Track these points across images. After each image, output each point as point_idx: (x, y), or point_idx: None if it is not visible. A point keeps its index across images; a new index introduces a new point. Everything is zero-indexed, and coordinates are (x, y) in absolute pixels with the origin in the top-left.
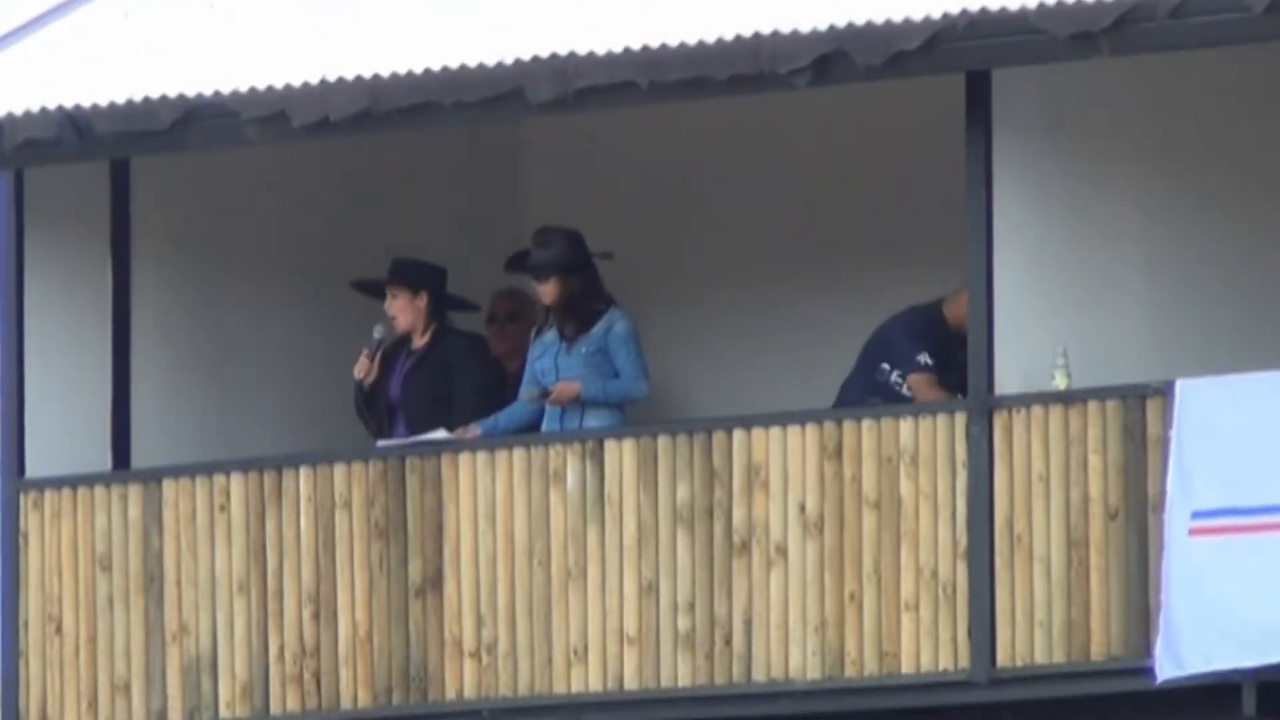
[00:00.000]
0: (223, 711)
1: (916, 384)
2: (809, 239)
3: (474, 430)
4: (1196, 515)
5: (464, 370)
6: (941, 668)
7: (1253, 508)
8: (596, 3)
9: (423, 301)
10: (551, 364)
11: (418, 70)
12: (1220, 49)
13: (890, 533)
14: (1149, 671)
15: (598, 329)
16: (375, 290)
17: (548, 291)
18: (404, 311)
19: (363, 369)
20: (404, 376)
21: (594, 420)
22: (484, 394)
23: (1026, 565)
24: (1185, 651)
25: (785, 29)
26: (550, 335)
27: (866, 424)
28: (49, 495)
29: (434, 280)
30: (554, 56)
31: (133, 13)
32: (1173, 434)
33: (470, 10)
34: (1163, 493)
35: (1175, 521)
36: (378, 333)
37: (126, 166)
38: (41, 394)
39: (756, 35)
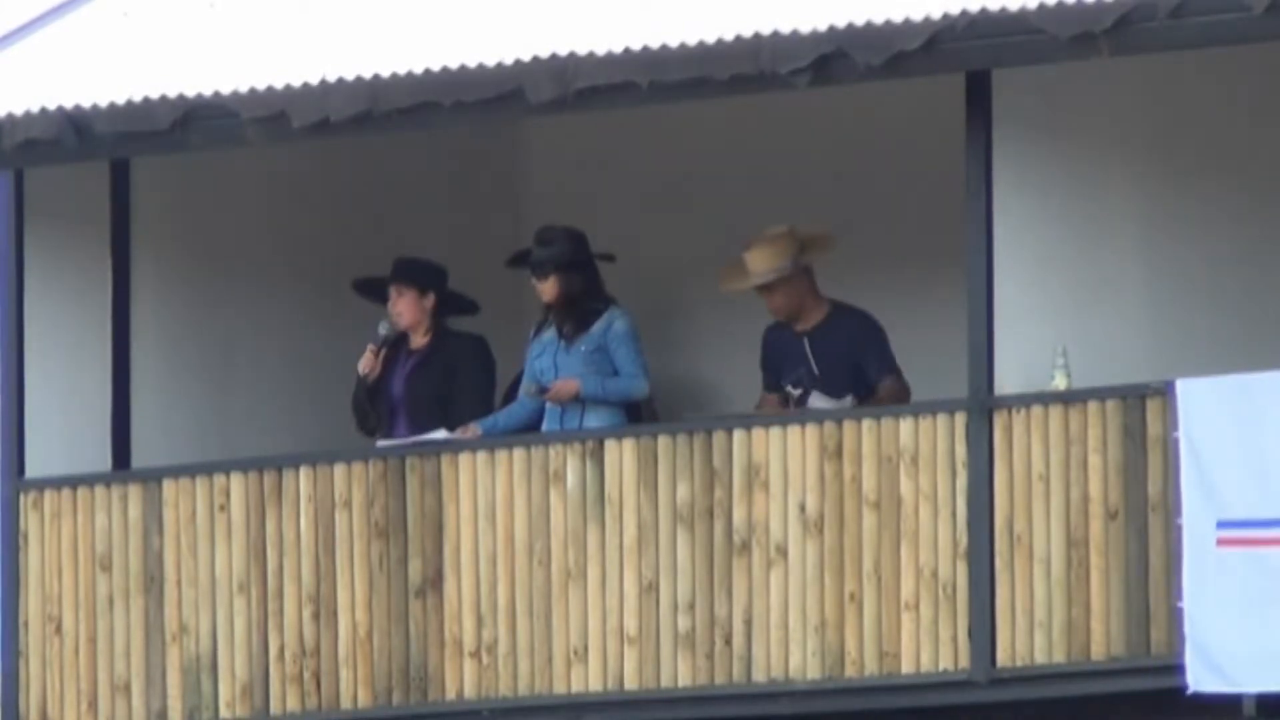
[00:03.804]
0: (223, 711)
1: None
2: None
3: (474, 430)
4: (1223, 525)
5: (466, 371)
6: (941, 668)
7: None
8: (596, 3)
9: (429, 301)
10: (551, 363)
11: (418, 70)
12: (1220, 49)
13: (890, 533)
14: (1180, 670)
15: (597, 328)
16: (375, 290)
17: (547, 289)
18: (409, 310)
19: (368, 364)
20: (407, 376)
21: (594, 419)
22: (485, 395)
23: (1026, 565)
24: (1229, 667)
25: (785, 29)
26: (549, 335)
27: (866, 424)
28: (49, 495)
29: (438, 280)
30: (554, 56)
31: (133, 13)
32: (1180, 435)
33: (470, 10)
34: (1177, 496)
35: (1198, 529)
36: (384, 329)
37: (126, 166)
38: (41, 394)
39: (756, 35)
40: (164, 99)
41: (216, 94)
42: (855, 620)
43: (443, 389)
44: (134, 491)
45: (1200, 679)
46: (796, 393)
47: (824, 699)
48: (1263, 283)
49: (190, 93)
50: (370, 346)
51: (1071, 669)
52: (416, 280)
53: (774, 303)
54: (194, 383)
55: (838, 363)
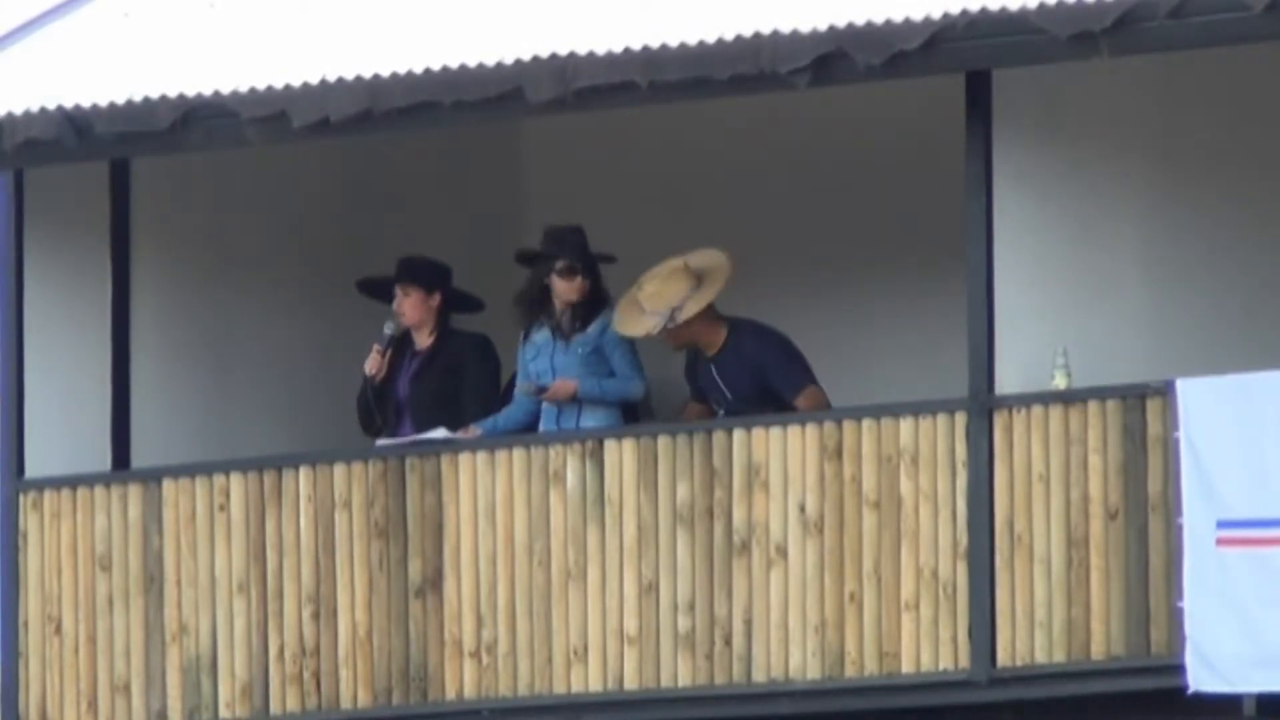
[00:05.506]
0: (223, 711)
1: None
2: (808, 239)
3: (473, 430)
4: (1223, 525)
5: (470, 370)
6: (941, 668)
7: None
8: (596, 3)
9: (435, 300)
10: (548, 364)
11: (418, 70)
12: (1221, 49)
13: (890, 533)
14: (1180, 670)
15: (593, 329)
16: (380, 289)
17: (575, 289)
18: (415, 310)
19: (374, 365)
20: (412, 376)
21: (591, 420)
22: (490, 393)
23: (1026, 565)
24: (1228, 667)
25: (785, 29)
26: (541, 336)
27: (866, 424)
28: (49, 495)
29: (443, 279)
30: (554, 56)
31: (133, 13)
32: (1180, 435)
33: (470, 10)
34: (1177, 496)
35: (1198, 528)
36: (389, 329)
37: (126, 166)
38: (41, 394)
39: (756, 35)
40: (164, 99)
41: (216, 94)
42: (855, 620)
43: (448, 388)
44: (134, 491)
45: (1200, 679)
46: (720, 412)
47: (824, 699)
48: (1263, 283)
49: (190, 93)
50: (376, 347)
51: (1071, 669)
52: (421, 279)
53: (667, 339)
54: (194, 383)
55: (744, 386)
